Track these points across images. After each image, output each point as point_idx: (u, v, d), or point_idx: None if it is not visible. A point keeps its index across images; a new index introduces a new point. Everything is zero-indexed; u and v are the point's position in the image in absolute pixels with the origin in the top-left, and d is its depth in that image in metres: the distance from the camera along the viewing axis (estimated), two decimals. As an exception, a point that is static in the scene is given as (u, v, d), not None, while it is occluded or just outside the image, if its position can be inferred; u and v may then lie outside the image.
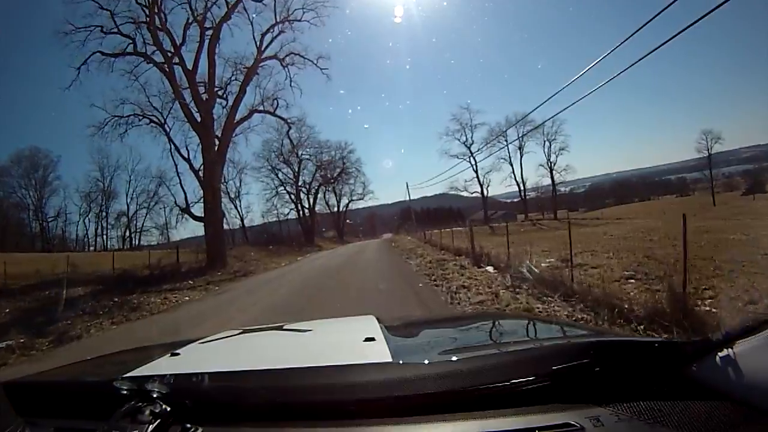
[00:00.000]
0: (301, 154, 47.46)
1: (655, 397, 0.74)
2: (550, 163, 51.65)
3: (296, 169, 47.62)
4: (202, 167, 20.78)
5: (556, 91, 9.39)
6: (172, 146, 22.51)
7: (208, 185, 20.07)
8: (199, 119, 20.00)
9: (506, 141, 47.82)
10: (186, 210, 24.97)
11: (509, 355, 0.96)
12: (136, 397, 0.81)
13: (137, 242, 40.84)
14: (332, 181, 51.18)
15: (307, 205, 48.24)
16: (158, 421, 0.75)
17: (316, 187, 49.67)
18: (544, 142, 51.44)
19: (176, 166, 25.27)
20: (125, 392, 0.83)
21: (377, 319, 1.44)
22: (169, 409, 0.78)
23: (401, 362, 0.95)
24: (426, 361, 0.91)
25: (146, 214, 41.24)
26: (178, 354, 1.22)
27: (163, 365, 1.16)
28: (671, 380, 0.79)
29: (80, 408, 0.91)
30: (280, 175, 46.96)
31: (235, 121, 22.03)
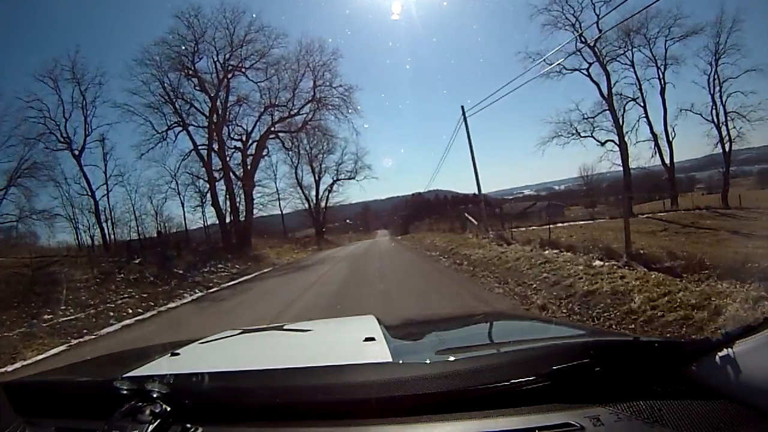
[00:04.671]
0: (230, 65, 21.35)
1: (654, 397, 0.74)
2: (722, 98, 23.70)
3: (217, 91, 20.84)
4: None
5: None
6: None
7: None
8: None
9: (632, 54, 23.67)
10: None
11: (509, 355, 0.96)
12: (136, 397, 0.81)
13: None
14: (294, 116, 23.41)
15: (242, 174, 22.60)
16: (158, 421, 0.75)
17: (262, 136, 23.07)
18: (715, 55, 23.23)
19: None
20: (125, 392, 0.83)
21: (377, 319, 1.44)
22: (169, 409, 0.78)
23: (401, 362, 0.95)
24: (426, 361, 0.91)
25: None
26: (178, 354, 1.23)
27: (163, 365, 1.16)
28: (671, 380, 0.79)
29: (80, 408, 0.91)
30: (179, 104, 20.53)
31: None
